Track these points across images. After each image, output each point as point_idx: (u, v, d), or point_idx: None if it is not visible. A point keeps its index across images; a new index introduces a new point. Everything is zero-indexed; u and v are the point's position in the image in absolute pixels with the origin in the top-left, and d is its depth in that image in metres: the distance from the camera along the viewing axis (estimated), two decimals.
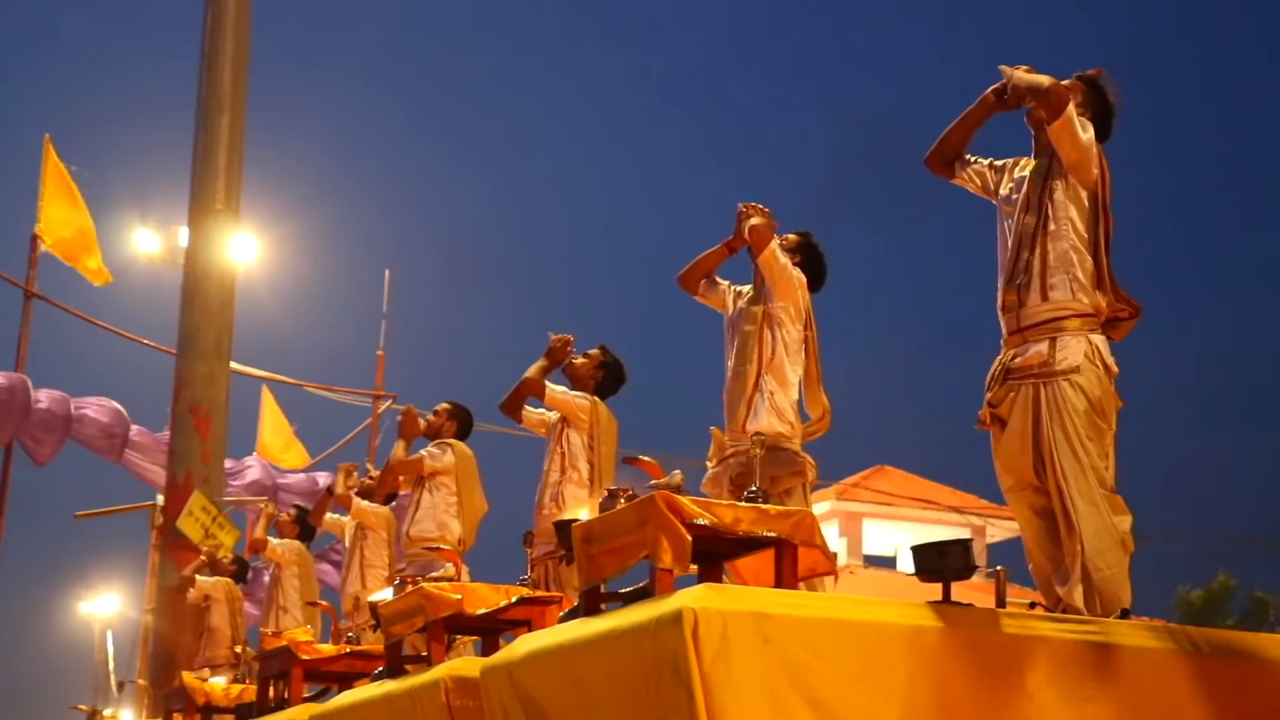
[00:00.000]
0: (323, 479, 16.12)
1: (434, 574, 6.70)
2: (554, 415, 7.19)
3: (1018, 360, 4.72)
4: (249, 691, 8.16)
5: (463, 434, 8.25)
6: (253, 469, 16.53)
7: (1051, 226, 4.75)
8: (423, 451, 8.13)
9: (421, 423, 8.26)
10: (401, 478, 8.34)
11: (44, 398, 14.34)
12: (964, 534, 19.46)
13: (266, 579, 10.70)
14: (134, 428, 15.20)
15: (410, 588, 5.94)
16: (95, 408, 14.97)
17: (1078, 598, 4.50)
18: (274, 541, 10.09)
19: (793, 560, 4.14)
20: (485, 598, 5.70)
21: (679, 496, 4.00)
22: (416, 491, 8.11)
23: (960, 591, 4.11)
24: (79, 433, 14.73)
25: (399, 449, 8.25)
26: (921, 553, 4.20)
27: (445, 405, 8.31)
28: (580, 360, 7.19)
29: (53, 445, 14.43)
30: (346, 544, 9.31)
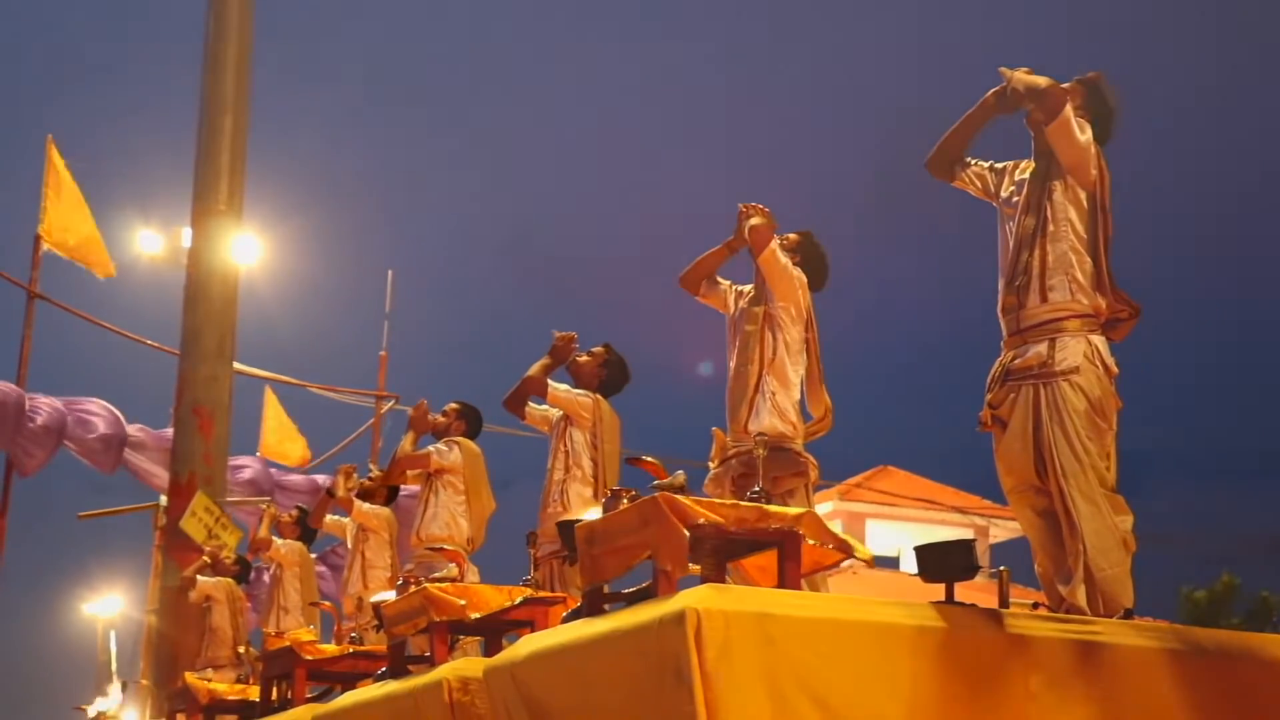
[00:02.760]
0: (319, 479, 16.11)
1: (437, 574, 6.68)
2: (557, 413, 7.19)
3: (1017, 361, 4.72)
4: (251, 692, 8.17)
5: (472, 434, 8.23)
6: (248, 468, 16.44)
7: (1051, 228, 4.76)
8: (430, 448, 8.12)
9: (434, 417, 8.26)
10: (409, 473, 8.33)
11: (40, 409, 14.15)
12: (967, 534, 19.45)
13: (266, 579, 10.71)
14: (133, 426, 15.11)
15: (413, 588, 5.94)
16: (91, 415, 14.78)
17: (1080, 597, 4.51)
18: (277, 542, 10.10)
19: (796, 560, 4.14)
20: (489, 598, 5.70)
21: (681, 497, 4.01)
22: (424, 492, 8.10)
23: (963, 592, 4.12)
24: (74, 441, 14.59)
25: (406, 443, 8.24)
26: (925, 553, 4.21)
27: (454, 405, 8.30)
28: (584, 358, 7.19)
29: (42, 457, 14.28)
30: (348, 545, 9.31)
